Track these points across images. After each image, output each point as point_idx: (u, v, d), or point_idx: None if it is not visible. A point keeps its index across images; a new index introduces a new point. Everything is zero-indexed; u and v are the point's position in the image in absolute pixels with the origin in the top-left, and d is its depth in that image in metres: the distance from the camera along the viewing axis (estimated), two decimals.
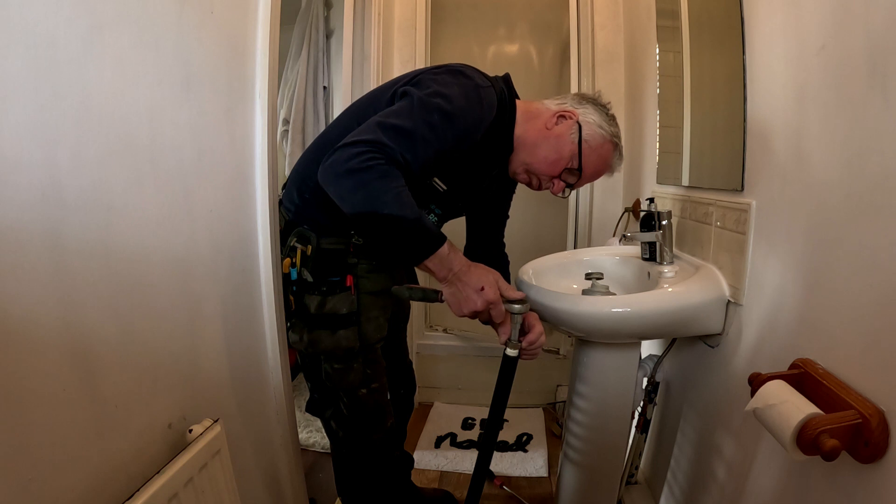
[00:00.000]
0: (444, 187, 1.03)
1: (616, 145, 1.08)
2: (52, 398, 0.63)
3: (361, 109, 1.04)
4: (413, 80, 0.98)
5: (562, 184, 1.07)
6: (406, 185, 0.85)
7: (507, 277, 1.21)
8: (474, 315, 0.91)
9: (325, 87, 2.32)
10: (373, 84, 1.92)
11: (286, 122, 2.27)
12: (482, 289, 0.89)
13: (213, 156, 0.96)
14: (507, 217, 1.32)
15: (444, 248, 0.88)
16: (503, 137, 1.04)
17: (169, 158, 0.84)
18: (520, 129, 1.05)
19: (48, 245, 0.62)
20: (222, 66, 0.98)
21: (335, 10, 2.32)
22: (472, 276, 0.90)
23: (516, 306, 0.92)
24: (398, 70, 2.17)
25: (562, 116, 1.05)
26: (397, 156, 0.84)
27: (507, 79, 1.08)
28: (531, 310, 0.99)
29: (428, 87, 0.93)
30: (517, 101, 1.07)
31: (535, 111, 1.07)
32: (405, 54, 2.17)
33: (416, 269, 1.29)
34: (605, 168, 1.10)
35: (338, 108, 2.33)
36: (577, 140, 1.03)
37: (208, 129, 0.94)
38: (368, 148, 0.83)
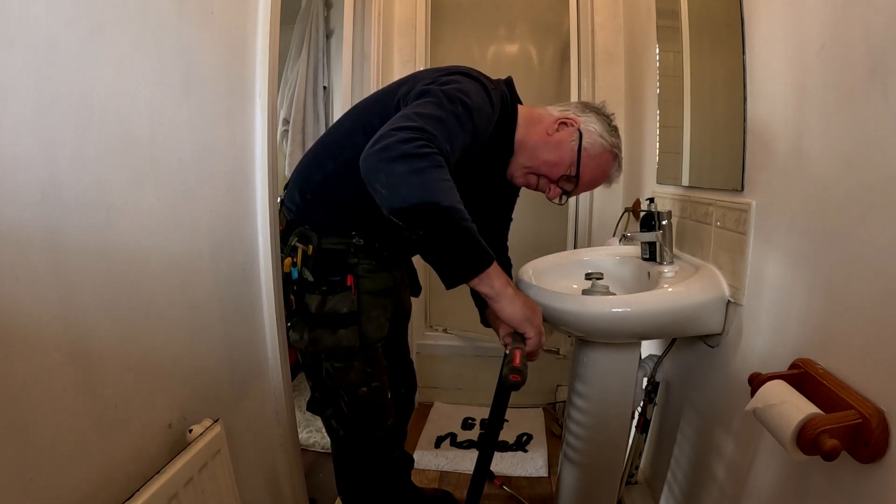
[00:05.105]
0: None
1: (616, 156, 1.08)
2: (52, 398, 0.63)
3: (365, 112, 1.03)
4: (424, 80, 0.97)
5: (558, 190, 1.07)
6: None
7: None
8: (538, 329, 0.89)
9: (325, 87, 2.32)
10: (373, 84, 1.91)
11: (286, 122, 2.27)
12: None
13: (213, 156, 0.96)
14: (511, 220, 1.32)
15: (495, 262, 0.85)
16: (504, 140, 1.04)
17: (169, 158, 0.84)
18: (521, 132, 1.05)
19: (48, 244, 0.62)
20: (222, 66, 0.98)
21: (335, 10, 2.33)
22: (528, 297, 0.93)
23: None
24: (398, 70, 2.17)
25: (563, 123, 1.05)
26: (443, 146, 0.80)
27: (509, 82, 1.08)
28: None
29: (446, 83, 0.92)
30: (520, 106, 1.07)
31: (537, 116, 1.07)
32: (405, 54, 2.17)
33: (418, 271, 1.30)
34: (603, 178, 1.10)
35: (338, 108, 2.33)
36: (576, 147, 1.03)
37: (208, 129, 0.94)
38: (419, 135, 0.77)
